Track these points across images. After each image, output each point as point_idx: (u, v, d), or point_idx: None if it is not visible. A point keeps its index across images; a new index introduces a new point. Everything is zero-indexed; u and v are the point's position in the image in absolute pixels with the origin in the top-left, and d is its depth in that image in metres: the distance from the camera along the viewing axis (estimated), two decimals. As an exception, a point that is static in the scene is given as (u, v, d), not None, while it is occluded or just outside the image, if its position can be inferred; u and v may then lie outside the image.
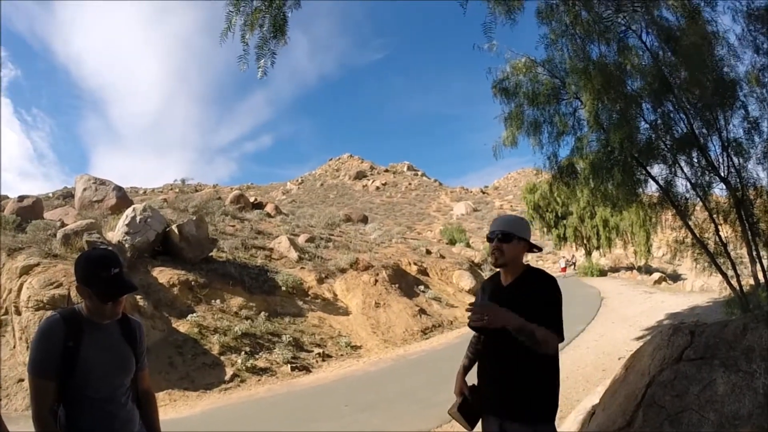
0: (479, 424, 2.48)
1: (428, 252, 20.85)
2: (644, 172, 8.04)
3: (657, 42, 7.37)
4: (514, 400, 2.24)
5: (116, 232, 11.58)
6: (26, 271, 9.28)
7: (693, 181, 7.82)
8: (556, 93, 8.14)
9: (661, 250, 31.85)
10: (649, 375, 2.92)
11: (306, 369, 9.81)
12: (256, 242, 15.60)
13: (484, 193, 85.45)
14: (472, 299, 16.83)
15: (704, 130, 7.55)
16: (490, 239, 2.40)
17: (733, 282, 7.82)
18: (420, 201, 75.54)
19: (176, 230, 12.14)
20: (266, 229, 17.91)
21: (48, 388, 1.84)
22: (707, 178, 7.75)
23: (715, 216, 7.84)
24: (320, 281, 14.03)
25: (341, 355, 10.91)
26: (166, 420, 5.84)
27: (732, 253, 7.92)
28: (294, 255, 15.14)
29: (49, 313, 5.69)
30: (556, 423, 2.32)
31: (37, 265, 9.42)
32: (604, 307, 15.94)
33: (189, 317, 10.12)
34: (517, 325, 2.10)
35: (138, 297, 9.40)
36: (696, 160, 7.78)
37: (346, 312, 13.27)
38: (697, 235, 7.96)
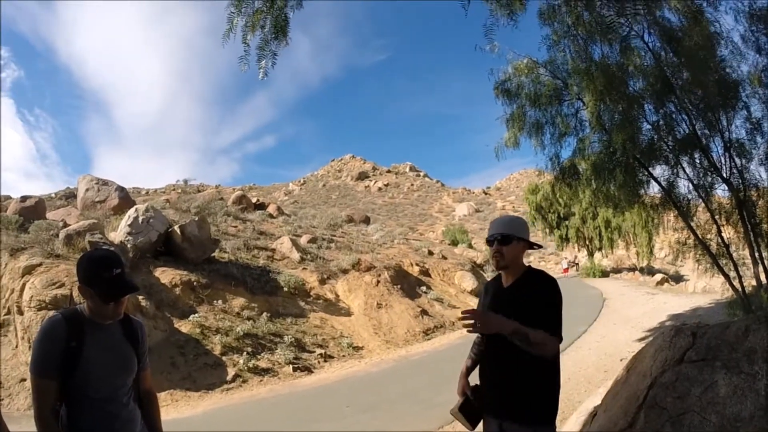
0: (481, 425, 2.48)
1: (430, 253, 20.85)
2: (646, 173, 8.04)
3: (659, 43, 7.36)
4: (514, 402, 2.24)
5: (118, 233, 11.60)
6: (29, 271, 9.31)
7: (695, 182, 7.81)
8: (558, 94, 8.13)
9: (664, 251, 31.78)
10: (651, 376, 2.92)
11: (308, 369, 9.82)
12: (258, 243, 15.60)
13: (486, 194, 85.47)
14: (475, 300, 16.85)
15: (706, 131, 7.55)
16: (489, 242, 2.41)
17: (736, 283, 7.80)
18: (422, 202, 75.60)
19: (178, 231, 12.15)
20: (268, 230, 17.92)
21: (50, 387, 1.85)
22: (709, 179, 7.74)
23: (717, 217, 7.83)
24: (322, 282, 14.03)
25: (343, 355, 10.91)
26: (168, 420, 5.85)
27: (734, 255, 7.91)
28: (296, 256, 15.15)
29: (51, 313, 5.70)
30: (558, 424, 2.32)
31: (40, 265, 9.44)
32: (606, 308, 15.91)
33: (191, 317, 10.13)
34: (511, 329, 2.11)
35: (140, 297, 9.41)
36: (698, 161, 7.77)
37: (348, 313, 13.28)
38: (700, 236, 7.95)
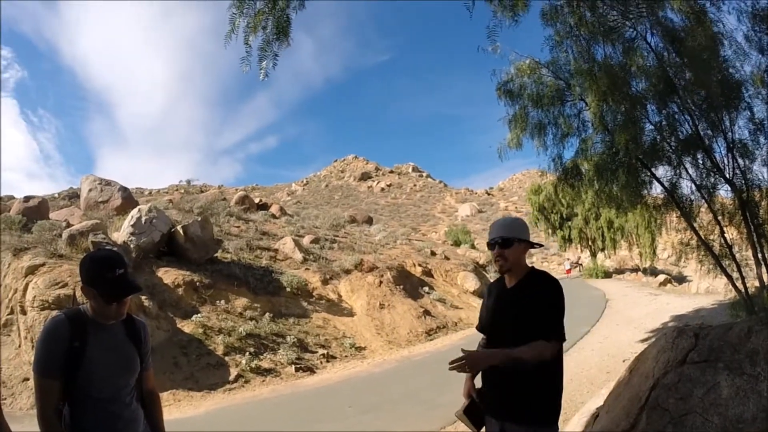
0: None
1: (433, 253, 20.84)
2: (649, 173, 8.01)
3: (662, 43, 7.34)
4: (515, 403, 2.24)
5: (121, 233, 11.64)
6: (32, 271, 9.34)
7: (698, 182, 7.77)
8: (560, 95, 8.11)
9: (666, 251, 31.70)
10: (653, 377, 2.91)
11: (310, 370, 9.83)
12: (260, 243, 15.63)
13: (488, 194, 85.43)
14: (477, 300, 16.87)
15: (709, 132, 7.51)
16: (491, 246, 2.41)
17: (738, 284, 7.76)
18: (425, 202, 75.59)
19: (181, 231, 12.18)
20: (271, 230, 17.94)
21: (52, 387, 1.86)
22: (712, 179, 7.70)
23: (720, 218, 7.79)
24: (325, 282, 14.04)
25: (345, 356, 10.92)
26: (171, 420, 5.87)
27: (737, 255, 7.86)
28: (299, 256, 15.17)
29: (54, 313, 5.72)
30: (560, 425, 2.31)
31: (43, 265, 9.47)
32: (608, 309, 15.90)
33: (194, 318, 10.15)
34: (500, 359, 2.14)
35: (143, 297, 9.44)
36: (701, 162, 7.73)
37: (350, 313, 13.28)
38: (702, 237, 7.91)
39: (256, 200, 23.59)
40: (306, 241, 17.11)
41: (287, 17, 5.33)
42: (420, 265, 18.16)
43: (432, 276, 18.23)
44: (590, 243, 33.45)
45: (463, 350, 2.19)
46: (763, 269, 7.28)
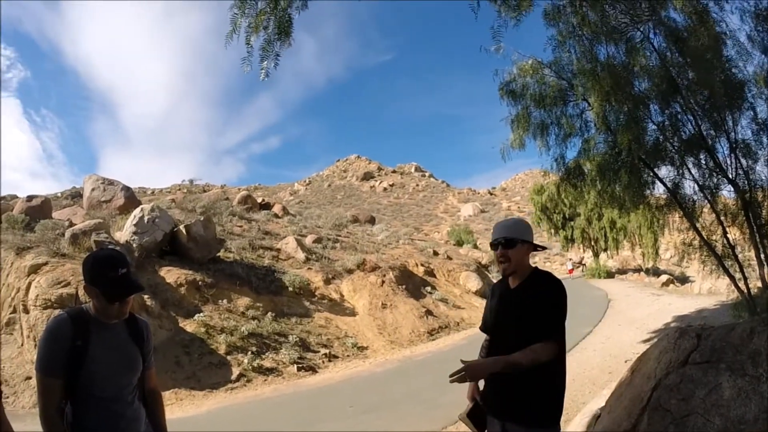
0: None
1: (435, 253, 20.84)
2: (651, 173, 8.00)
3: (665, 43, 7.32)
4: (515, 403, 2.24)
5: (124, 232, 11.66)
6: (34, 270, 9.36)
7: (701, 182, 7.76)
8: (563, 95, 8.09)
9: (669, 252, 31.63)
10: (655, 378, 2.91)
11: (312, 369, 9.83)
12: (263, 243, 15.64)
13: (491, 194, 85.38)
14: (479, 300, 16.85)
15: (712, 132, 7.49)
16: (494, 246, 2.41)
17: (741, 285, 7.75)
18: (427, 202, 75.58)
19: (184, 230, 12.20)
20: (273, 230, 17.96)
21: (55, 386, 1.86)
22: (715, 179, 7.69)
23: (722, 218, 7.77)
24: (327, 282, 14.05)
25: (347, 355, 10.92)
26: (173, 419, 5.89)
27: (740, 256, 7.85)
28: (301, 255, 15.18)
29: (56, 312, 5.73)
30: (562, 425, 2.31)
31: (46, 264, 9.50)
32: (611, 309, 15.88)
33: (196, 317, 10.17)
34: (500, 366, 2.14)
35: (145, 297, 9.46)
36: (704, 162, 7.72)
37: (352, 313, 13.29)
38: (705, 238, 7.90)
39: (259, 200, 23.60)
40: (308, 240, 17.13)
41: (289, 17, 5.33)
42: (422, 265, 18.16)
43: (434, 276, 18.22)
44: (593, 243, 33.42)
45: (462, 361, 2.18)
46: (766, 270, 7.25)
